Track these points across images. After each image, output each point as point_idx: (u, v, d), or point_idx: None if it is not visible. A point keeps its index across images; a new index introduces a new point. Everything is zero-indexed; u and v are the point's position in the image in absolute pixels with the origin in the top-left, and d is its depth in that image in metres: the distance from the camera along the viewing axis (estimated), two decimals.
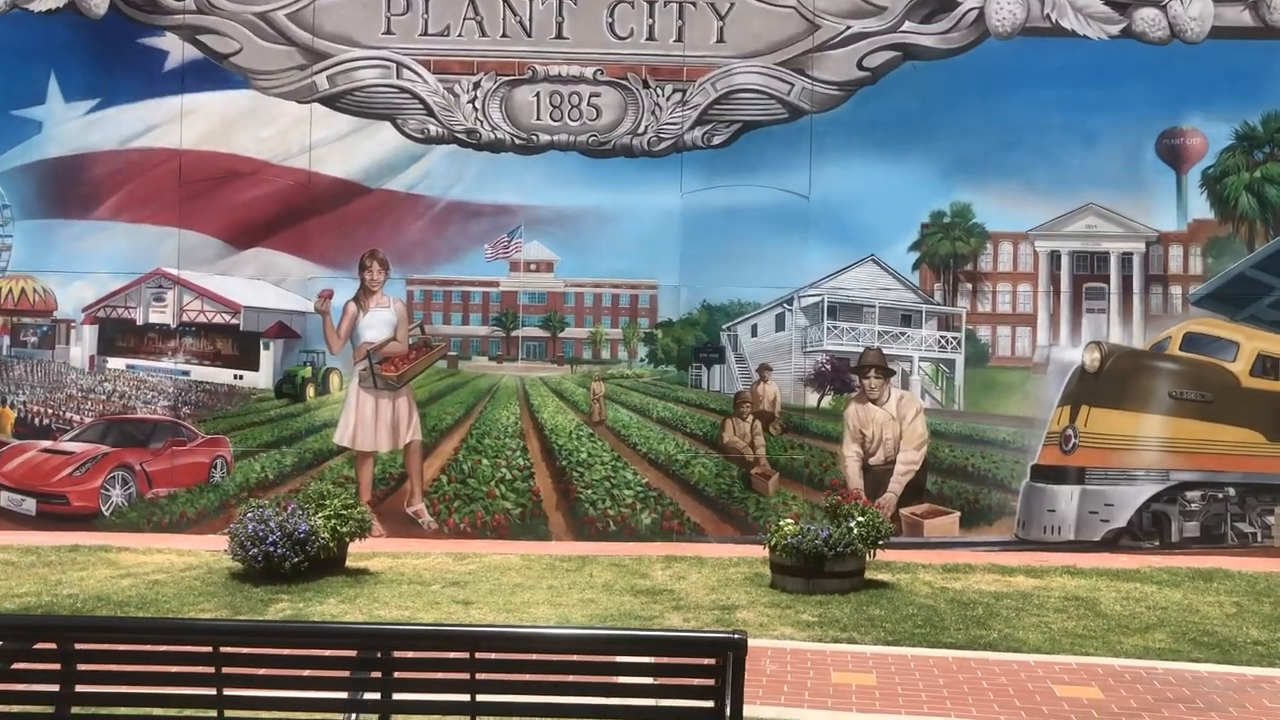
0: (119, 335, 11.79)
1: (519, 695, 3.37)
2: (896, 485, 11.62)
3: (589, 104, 11.70)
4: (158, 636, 3.44)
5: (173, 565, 9.98)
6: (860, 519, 9.31)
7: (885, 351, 11.76)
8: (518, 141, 11.70)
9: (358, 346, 11.60)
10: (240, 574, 9.36)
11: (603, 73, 11.70)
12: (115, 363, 11.80)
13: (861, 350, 11.78)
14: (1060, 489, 11.64)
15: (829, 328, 11.78)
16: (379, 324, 11.63)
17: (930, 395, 11.90)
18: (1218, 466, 11.65)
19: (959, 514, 11.64)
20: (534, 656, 3.45)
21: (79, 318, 11.82)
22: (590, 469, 11.70)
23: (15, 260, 11.80)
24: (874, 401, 11.68)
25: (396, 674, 3.39)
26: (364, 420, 11.59)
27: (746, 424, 11.75)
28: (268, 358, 11.78)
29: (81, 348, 11.80)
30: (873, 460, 11.70)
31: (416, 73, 11.66)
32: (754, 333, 11.85)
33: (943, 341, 11.87)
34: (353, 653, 3.56)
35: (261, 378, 11.81)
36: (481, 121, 11.67)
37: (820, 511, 11.01)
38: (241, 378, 11.78)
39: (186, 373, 11.77)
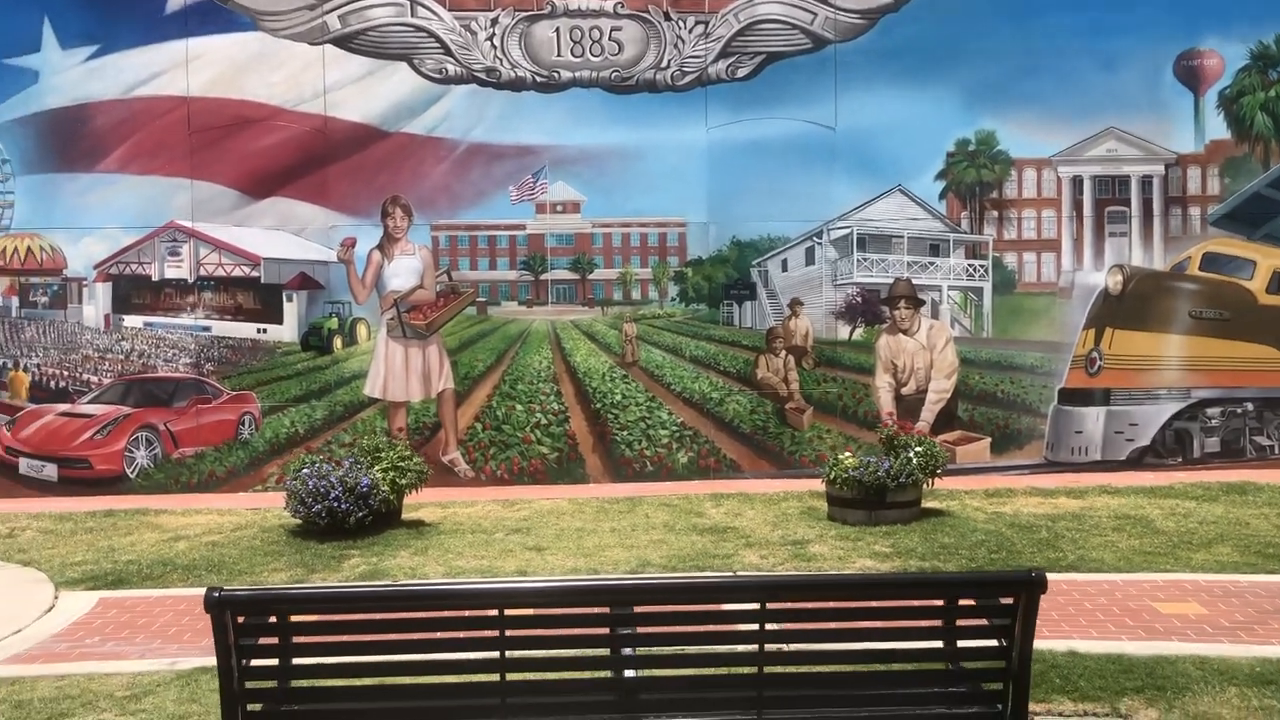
0: (134, 292, 11.40)
1: (812, 644, 3.34)
2: (929, 414, 11.74)
3: (610, 38, 11.45)
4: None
5: (220, 525, 9.77)
6: (918, 449, 9.40)
7: (914, 281, 11.80)
8: (539, 79, 11.43)
9: (384, 295, 11.36)
10: (299, 530, 9.19)
11: (623, 6, 11.43)
12: (132, 320, 11.42)
13: (891, 281, 11.81)
14: (1087, 410, 11.86)
15: (858, 259, 11.78)
16: (405, 271, 11.38)
17: (959, 323, 11.99)
18: (1236, 383, 11.94)
19: (989, 439, 11.82)
20: (820, 604, 3.42)
21: (91, 275, 11.39)
22: (625, 410, 11.64)
23: (19, 218, 11.30)
24: (905, 332, 11.75)
25: (682, 628, 3.34)
26: (394, 370, 11.39)
27: (779, 359, 11.76)
28: (291, 310, 11.48)
29: (95, 306, 11.39)
30: (905, 390, 11.80)
31: (431, 10, 11.29)
32: (784, 267, 11.81)
33: (970, 270, 11.95)
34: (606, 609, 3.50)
35: (286, 331, 11.52)
36: (501, 59, 11.36)
37: (855, 443, 11.16)
38: (265, 331, 11.48)
39: (207, 328, 11.44)
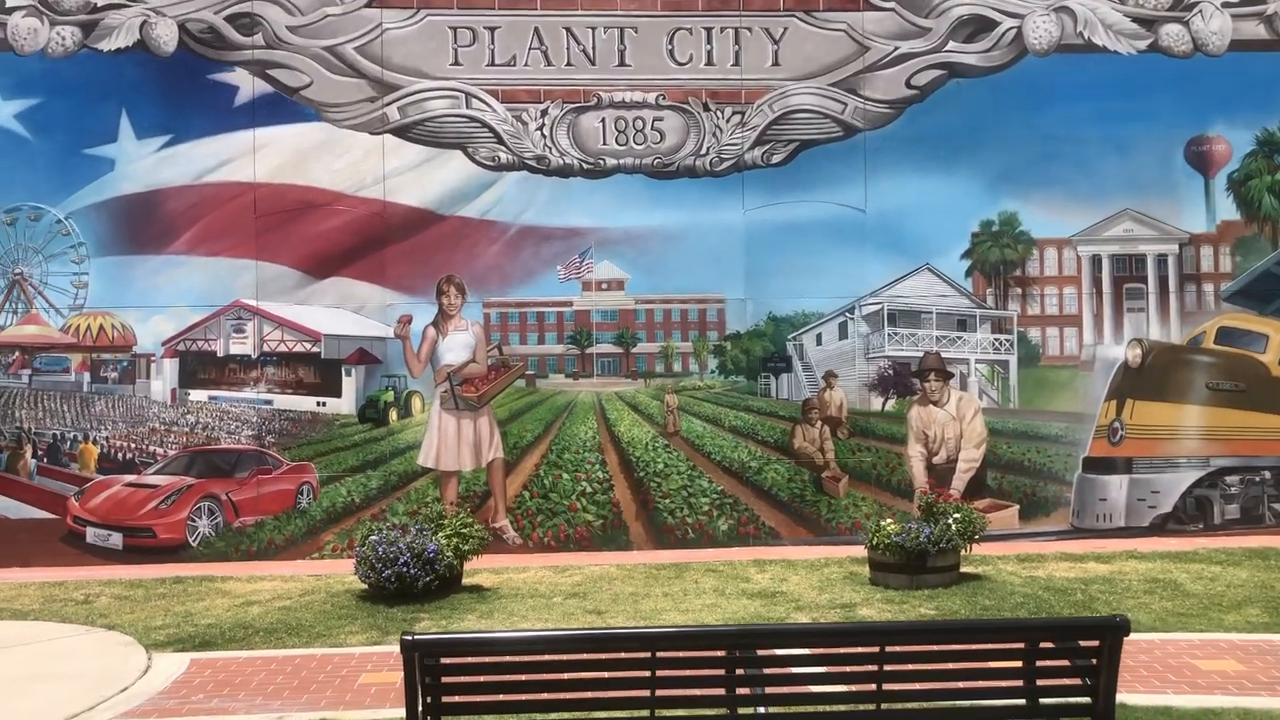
0: (200, 367, 11.95)
1: (922, 684, 3.81)
2: (959, 482, 12.20)
3: (652, 128, 12.14)
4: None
5: (288, 591, 10.19)
6: (957, 515, 9.86)
7: (943, 355, 12.35)
8: (585, 166, 12.10)
9: (438, 369, 11.90)
10: (366, 595, 9.61)
11: (665, 98, 12.14)
12: (197, 395, 11.96)
13: (921, 355, 12.36)
14: (1110, 479, 12.33)
15: (889, 334, 12.35)
16: (458, 347, 11.94)
17: (987, 395, 12.53)
18: (1253, 451, 12.43)
19: (1018, 507, 12.27)
20: (936, 647, 3.90)
21: (159, 352, 11.95)
22: (667, 479, 12.12)
23: (92, 297, 11.90)
24: (935, 403, 12.26)
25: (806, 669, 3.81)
26: (447, 441, 11.89)
27: (815, 430, 12.27)
28: (350, 384, 12.02)
29: (162, 381, 11.93)
30: (936, 460, 12.28)
31: (485, 102, 12.00)
32: (819, 341, 12.38)
33: (996, 344, 12.51)
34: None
35: (344, 404, 12.05)
36: (550, 148, 12.04)
37: (889, 511, 11.62)
38: (324, 404, 12.01)
39: (269, 402, 11.97)
